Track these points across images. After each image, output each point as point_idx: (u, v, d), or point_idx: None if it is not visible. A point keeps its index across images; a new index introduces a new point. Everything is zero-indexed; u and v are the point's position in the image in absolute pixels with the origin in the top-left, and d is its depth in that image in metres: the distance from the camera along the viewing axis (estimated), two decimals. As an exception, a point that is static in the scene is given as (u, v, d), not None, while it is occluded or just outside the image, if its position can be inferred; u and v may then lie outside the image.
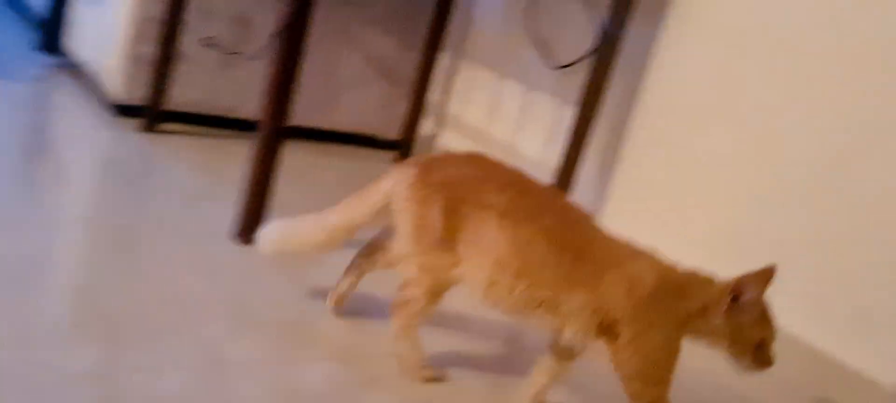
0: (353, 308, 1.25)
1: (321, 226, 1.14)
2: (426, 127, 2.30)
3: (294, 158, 1.96)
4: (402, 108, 2.27)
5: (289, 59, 1.30)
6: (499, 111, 2.10)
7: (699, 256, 1.60)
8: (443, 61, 2.28)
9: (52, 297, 1.06)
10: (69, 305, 1.06)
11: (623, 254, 1.02)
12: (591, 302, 0.98)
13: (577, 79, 1.87)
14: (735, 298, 0.96)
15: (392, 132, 2.30)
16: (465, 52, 2.23)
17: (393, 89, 2.27)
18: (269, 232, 1.16)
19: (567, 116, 1.90)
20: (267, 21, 1.97)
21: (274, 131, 1.34)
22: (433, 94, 2.29)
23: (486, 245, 1.01)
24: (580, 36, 1.88)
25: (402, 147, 2.25)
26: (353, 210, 1.12)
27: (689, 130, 1.66)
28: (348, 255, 1.20)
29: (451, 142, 2.23)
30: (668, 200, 1.68)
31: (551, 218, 1.02)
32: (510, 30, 2.09)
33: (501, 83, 2.10)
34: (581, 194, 1.84)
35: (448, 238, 1.02)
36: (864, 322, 1.37)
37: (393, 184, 1.07)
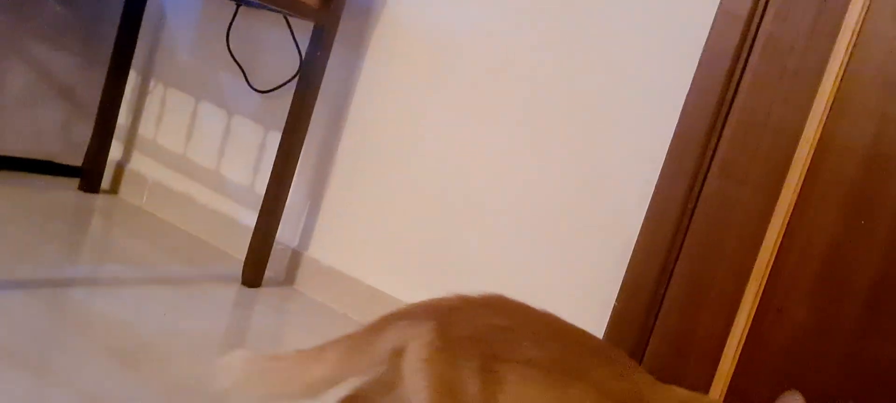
0: None
1: (300, 377, 0.89)
2: (115, 152, 2.12)
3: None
4: (85, 132, 2.07)
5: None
6: (199, 136, 2.01)
7: (404, 281, 1.70)
8: (136, 83, 2.12)
9: None
10: None
11: (678, 399, 0.92)
12: None
13: (283, 104, 1.87)
14: None
15: (74, 158, 2.08)
16: (157, 72, 2.10)
17: (73, 110, 2.06)
18: (235, 363, 0.89)
19: (273, 142, 1.89)
20: None
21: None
22: (123, 117, 2.12)
23: None
24: (284, 60, 1.88)
25: (86, 174, 2.04)
26: (345, 364, 0.89)
27: (390, 158, 1.74)
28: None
29: (145, 168, 2.08)
30: (372, 227, 1.74)
31: (600, 371, 0.89)
32: (209, 50, 2.01)
33: (201, 106, 2.02)
34: (290, 223, 1.83)
35: None
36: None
37: (403, 340, 0.87)
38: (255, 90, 1.92)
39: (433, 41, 1.70)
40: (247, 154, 1.93)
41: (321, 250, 1.80)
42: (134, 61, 2.07)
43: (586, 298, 1.51)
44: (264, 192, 1.70)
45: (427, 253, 1.67)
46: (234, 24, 1.96)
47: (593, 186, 1.53)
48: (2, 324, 1.16)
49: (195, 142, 2.01)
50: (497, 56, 1.64)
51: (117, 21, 2.02)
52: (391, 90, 1.75)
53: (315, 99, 1.70)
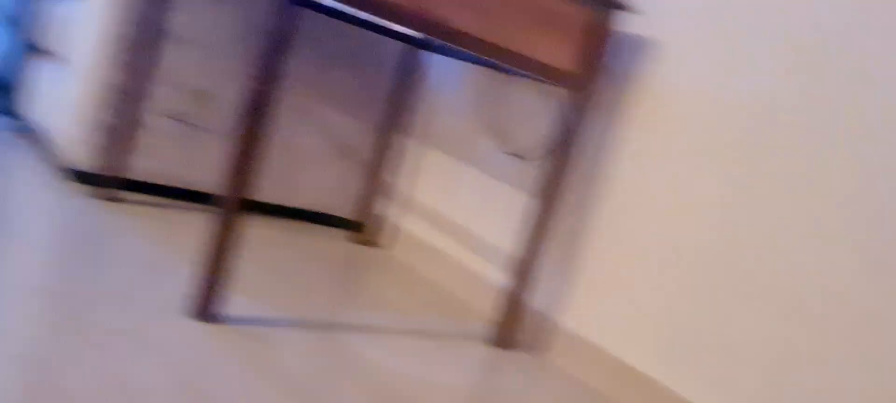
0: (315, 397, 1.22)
1: None
2: (381, 207, 2.31)
3: (252, 233, 1.95)
4: (357, 188, 2.29)
5: (253, 135, 1.31)
6: (456, 195, 2.13)
7: (663, 361, 1.63)
8: (400, 142, 2.31)
9: (-4, 372, 1.01)
10: (13, 378, 1.01)
11: None
12: None
13: (536, 167, 1.92)
14: None
15: (347, 211, 2.31)
16: (423, 134, 2.27)
17: (349, 168, 2.28)
18: None
19: (525, 204, 1.94)
20: (230, 96, 1.98)
21: (234, 205, 1.33)
22: (389, 175, 2.31)
23: None
24: (540, 125, 1.94)
25: (356, 226, 2.25)
26: None
27: (650, 228, 1.70)
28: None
29: (408, 223, 2.24)
30: (629, 300, 1.71)
31: None
32: (468, 115, 2.14)
33: (459, 167, 2.14)
34: (542, 287, 1.86)
35: None
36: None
37: None
38: (511, 154, 1.99)
39: (699, 109, 1.65)
40: (501, 215, 2.00)
41: (573, 318, 1.80)
42: (403, 123, 2.25)
43: None
44: (517, 255, 1.75)
45: (691, 333, 1.59)
46: (491, 89, 2.06)
47: None
48: (286, 358, 1.30)
49: (453, 201, 2.13)
50: (777, 129, 1.54)
51: (389, 86, 2.22)
52: (651, 157, 1.72)
53: (570, 164, 1.72)
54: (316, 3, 2.07)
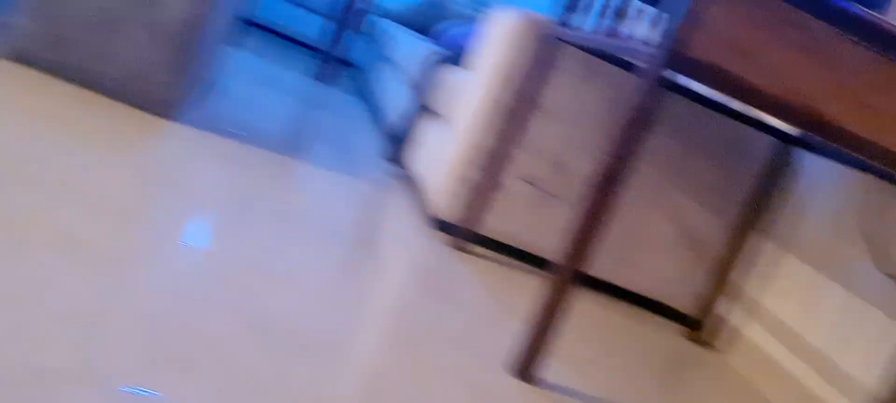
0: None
1: None
2: (724, 308, 2.16)
3: (583, 307, 1.96)
4: (700, 283, 2.17)
5: (599, 209, 1.32)
6: (814, 311, 1.90)
7: None
8: (756, 243, 2.14)
9: (341, 376, 1.15)
10: (354, 388, 1.14)
11: None
12: None
13: (920, 299, 1.63)
14: None
15: (686, 305, 2.20)
16: (783, 239, 2.07)
17: (695, 261, 2.18)
18: None
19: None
20: (584, 168, 2.04)
21: (569, 275, 1.35)
22: (739, 275, 2.15)
23: None
24: (931, 251, 1.65)
25: (694, 323, 2.13)
26: None
27: None
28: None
29: (750, 331, 2.05)
30: None
31: None
32: (837, 224, 1.90)
33: (822, 281, 1.90)
34: (903, 432, 1.56)
35: None
36: None
37: None
38: (889, 276, 1.72)
39: None
40: (866, 343, 1.73)
41: (942, 483, 1.47)
42: (762, 223, 2.09)
43: None
44: (881, 393, 1.49)
45: None
46: (872, 199, 1.81)
47: None
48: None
49: (809, 316, 1.90)
50: None
51: (753, 182, 2.08)
52: None
53: (967, 302, 1.43)
54: (684, 87, 2.04)
